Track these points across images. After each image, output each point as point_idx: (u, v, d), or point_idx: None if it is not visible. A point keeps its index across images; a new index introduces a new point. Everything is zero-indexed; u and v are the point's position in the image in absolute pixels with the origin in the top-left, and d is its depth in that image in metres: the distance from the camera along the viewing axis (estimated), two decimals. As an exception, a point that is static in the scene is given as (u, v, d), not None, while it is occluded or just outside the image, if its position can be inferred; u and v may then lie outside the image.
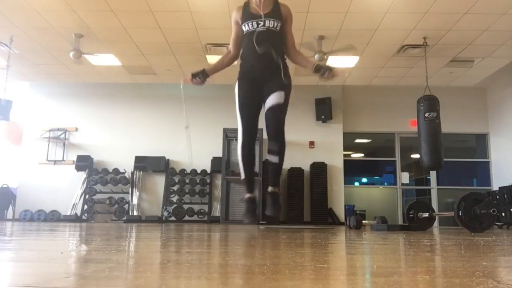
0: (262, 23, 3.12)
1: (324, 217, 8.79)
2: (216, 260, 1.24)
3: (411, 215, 5.38)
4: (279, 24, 3.14)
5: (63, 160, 9.46)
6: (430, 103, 6.92)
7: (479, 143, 9.91)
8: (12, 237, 2.44)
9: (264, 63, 3.12)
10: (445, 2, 5.96)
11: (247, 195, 3.35)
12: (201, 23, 6.63)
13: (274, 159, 3.19)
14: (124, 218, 8.75)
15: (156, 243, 2.02)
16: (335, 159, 9.33)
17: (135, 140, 9.50)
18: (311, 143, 9.45)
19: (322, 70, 3.12)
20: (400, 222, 8.84)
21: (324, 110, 9.33)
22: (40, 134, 9.38)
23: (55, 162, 9.44)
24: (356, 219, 5.40)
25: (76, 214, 8.87)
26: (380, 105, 9.70)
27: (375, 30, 6.82)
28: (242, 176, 3.31)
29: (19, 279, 0.88)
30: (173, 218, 8.75)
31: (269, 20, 3.12)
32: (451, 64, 8.18)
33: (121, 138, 9.55)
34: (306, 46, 7.25)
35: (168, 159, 9.40)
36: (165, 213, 8.78)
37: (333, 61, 7.94)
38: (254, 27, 3.13)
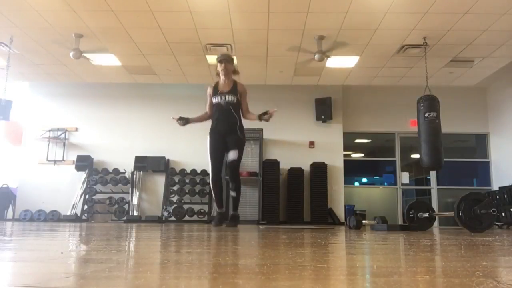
0: (224, 97, 4.70)
1: (324, 217, 8.79)
2: (216, 260, 1.24)
3: (411, 215, 5.37)
4: (235, 98, 4.71)
5: (63, 160, 9.46)
6: (430, 103, 6.92)
7: (479, 143, 9.91)
8: (12, 237, 2.44)
9: (225, 120, 4.69)
10: (445, 2, 5.96)
11: (218, 210, 4.86)
12: (201, 23, 6.63)
13: (233, 194, 4.77)
14: (124, 218, 8.75)
15: (156, 243, 2.02)
16: (335, 159, 9.34)
17: (135, 140, 9.50)
18: (311, 143, 9.45)
19: (262, 116, 4.60)
20: (400, 222, 8.84)
21: (324, 110, 9.33)
22: (40, 134, 9.39)
23: (55, 162, 9.44)
24: (356, 219, 5.39)
25: (76, 214, 8.87)
26: (380, 105, 9.71)
27: (375, 30, 6.82)
28: (214, 199, 4.90)
29: (19, 279, 0.88)
30: (173, 218, 8.75)
31: (229, 96, 4.70)
32: (451, 64, 8.18)
33: (121, 138, 9.55)
34: (307, 46, 7.26)
35: (168, 159, 9.40)
36: (165, 213, 8.77)
37: (333, 62, 7.94)
38: (218, 100, 4.71)
